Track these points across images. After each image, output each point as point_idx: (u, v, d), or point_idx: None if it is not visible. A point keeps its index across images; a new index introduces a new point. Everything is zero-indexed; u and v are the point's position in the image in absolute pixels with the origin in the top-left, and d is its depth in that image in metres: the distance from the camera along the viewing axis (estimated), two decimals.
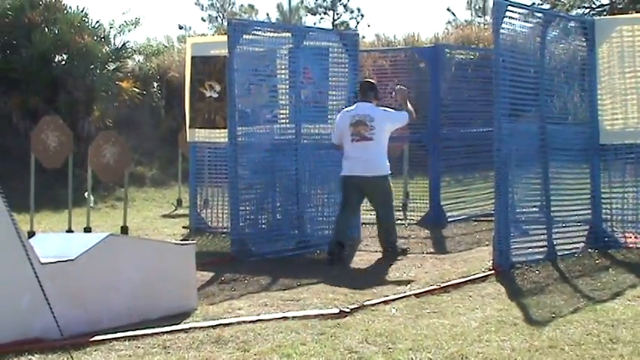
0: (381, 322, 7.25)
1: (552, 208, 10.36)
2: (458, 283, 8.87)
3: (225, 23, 11.63)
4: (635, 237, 10.75)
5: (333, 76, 12.19)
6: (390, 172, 11.15)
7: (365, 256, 11.16)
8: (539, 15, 10.92)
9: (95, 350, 6.47)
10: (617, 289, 8.47)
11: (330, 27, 47.83)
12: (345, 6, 52.73)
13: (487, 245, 11.02)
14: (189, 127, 13.82)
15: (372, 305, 7.89)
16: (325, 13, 52.73)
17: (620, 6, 40.28)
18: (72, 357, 6.15)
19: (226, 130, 11.43)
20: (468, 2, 53.34)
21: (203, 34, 43.92)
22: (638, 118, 10.77)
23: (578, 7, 42.29)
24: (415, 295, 8.35)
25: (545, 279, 9.14)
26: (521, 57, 10.27)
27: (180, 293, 7.90)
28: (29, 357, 6.26)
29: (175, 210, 17.77)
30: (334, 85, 12.20)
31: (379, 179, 10.96)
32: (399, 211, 14.33)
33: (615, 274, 9.29)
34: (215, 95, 13.41)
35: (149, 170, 22.21)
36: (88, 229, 13.29)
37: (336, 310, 7.61)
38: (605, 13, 40.29)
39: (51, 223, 15.13)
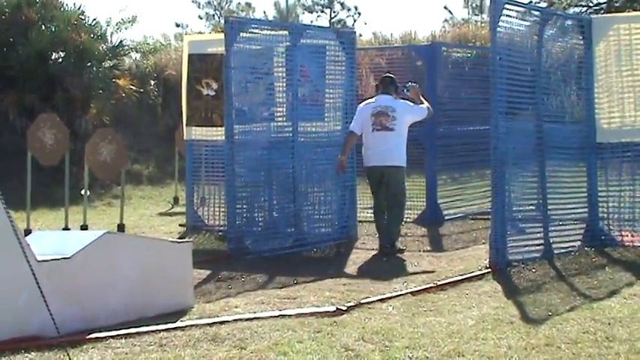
0: (377, 320, 7.25)
1: (549, 207, 10.37)
2: (454, 282, 8.87)
3: (222, 21, 11.62)
4: (632, 235, 10.76)
5: (330, 74, 12.18)
6: (406, 165, 11.36)
7: (362, 255, 11.16)
8: (537, 13, 10.92)
9: (92, 348, 6.47)
10: (614, 288, 8.48)
11: (327, 25, 47.86)
12: (342, 4, 52.78)
13: (484, 243, 11.01)
14: (186, 125, 13.81)
15: (369, 303, 7.90)
16: (322, 11, 52.78)
17: (617, 4, 40.30)
18: (68, 354, 6.15)
19: (223, 128, 11.44)
20: (465, 0, 53.35)
21: (200, 32, 43.91)
22: (635, 117, 10.77)
23: (576, 6, 42.32)
24: (412, 293, 8.36)
25: (542, 277, 9.14)
26: (518, 55, 10.27)
27: (176, 291, 7.90)
28: (26, 354, 6.26)
29: (172, 208, 17.76)
30: (331, 83, 12.19)
31: (396, 169, 11.21)
32: None
33: (612, 272, 9.31)
34: (212, 93, 13.40)
35: (146, 168, 22.20)
36: (84, 227, 13.28)
37: (333, 308, 7.61)
38: (602, 11, 40.32)
39: (47, 220, 15.12)
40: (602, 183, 10.98)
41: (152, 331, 6.86)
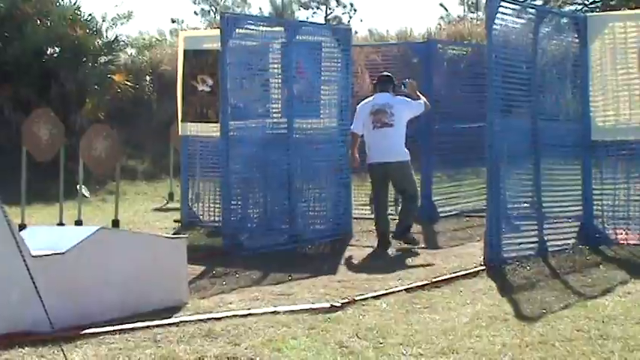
0: (371, 317, 7.26)
1: (544, 204, 10.39)
2: (449, 279, 8.88)
3: (218, 17, 11.61)
4: (626, 233, 10.78)
5: (326, 70, 12.17)
6: (409, 158, 11.50)
7: (356, 252, 11.16)
8: (532, 11, 10.91)
9: (86, 343, 6.46)
10: (608, 286, 8.50)
11: (323, 21, 47.85)
12: (337, 0, 52.71)
13: (478, 241, 11.03)
14: (181, 120, 13.81)
15: (363, 300, 7.90)
16: (318, 8, 52.72)
17: (613, 2, 40.32)
18: (62, 350, 6.14)
19: (218, 124, 11.42)
20: None
21: (196, 28, 43.91)
22: (630, 115, 10.78)
23: (571, 4, 42.34)
24: (406, 290, 8.36)
25: (536, 275, 9.16)
26: (513, 53, 10.29)
27: (171, 287, 7.89)
28: (20, 350, 6.25)
29: (167, 204, 17.75)
30: (327, 80, 12.18)
31: (400, 164, 11.37)
32: (391, 205, 14.35)
33: (606, 270, 9.33)
34: (207, 89, 13.39)
35: (141, 164, 22.18)
36: (79, 223, 13.26)
37: (327, 305, 7.62)
38: (597, 9, 40.36)
39: (42, 216, 15.09)
40: (597, 181, 11.00)
41: (146, 327, 6.86)
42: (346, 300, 7.81)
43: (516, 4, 10.41)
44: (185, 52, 13.74)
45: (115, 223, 13.49)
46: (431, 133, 13.90)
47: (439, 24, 42.75)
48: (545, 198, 10.42)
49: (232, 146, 11.13)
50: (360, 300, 7.88)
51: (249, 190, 11.63)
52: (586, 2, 42.94)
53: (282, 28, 12.01)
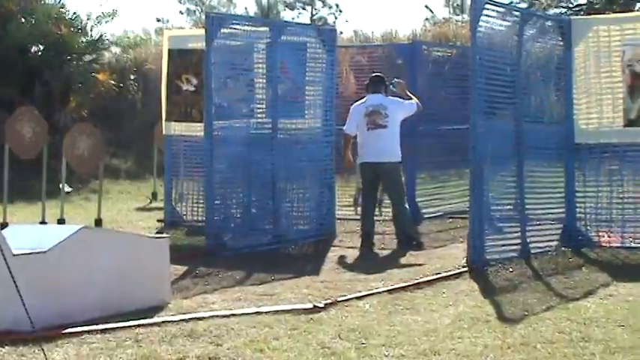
0: (354, 318, 7.26)
1: (527, 206, 10.41)
2: (432, 280, 8.89)
3: (203, 16, 11.60)
4: (609, 236, 10.81)
5: (311, 71, 12.18)
6: (401, 160, 11.61)
7: (339, 252, 11.16)
8: (517, 13, 10.93)
9: (67, 343, 6.44)
10: (590, 288, 8.52)
11: (308, 22, 47.85)
12: (323, 1, 52.76)
13: (462, 242, 11.05)
14: (166, 120, 13.78)
15: (346, 301, 7.90)
16: (303, 8, 52.75)
17: (598, 6, 40.47)
18: (43, 349, 6.11)
19: (202, 124, 11.39)
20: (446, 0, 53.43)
21: (181, 27, 43.87)
22: (613, 118, 10.81)
23: (556, 7, 42.46)
24: (389, 291, 8.37)
25: (519, 277, 9.18)
26: (498, 55, 10.30)
27: (153, 287, 7.87)
28: (0, 349, 6.23)
29: (150, 203, 17.70)
30: (311, 81, 12.19)
31: (392, 165, 11.48)
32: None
33: (588, 272, 9.36)
34: (192, 89, 13.38)
35: (124, 163, 22.13)
36: (61, 221, 13.22)
37: (310, 306, 7.61)
38: (582, 12, 40.49)
39: (24, 214, 15.02)
40: (580, 183, 11.02)
41: (128, 327, 6.85)
42: (329, 301, 7.81)
43: (501, 7, 10.43)
44: (170, 51, 13.72)
45: (98, 222, 13.46)
46: (415, 134, 13.89)
47: (424, 26, 42.80)
48: (529, 200, 10.44)
49: (216, 146, 11.12)
50: (343, 301, 7.88)
51: (232, 190, 11.64)
52: (570, 5, 43.09)
53: (267, 28, 12.01)
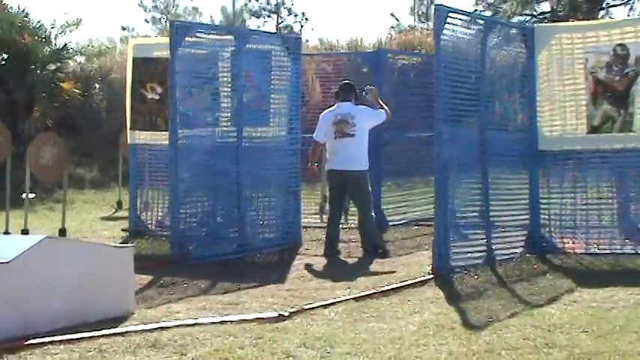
0: (319, 326, 7.25)
1: (491, 213, 10.45)
2: (397, 287, 8.89)
3: (169, 25, 11.56)
4: (573, 242, 10.87)
5: (276, 79, 12.16)
6: (368, 168, 11.63)
7: (305, 260, 11.16)
8: (480, 22, 10.98)
9: (30, 354, 6.39)
10: (554, 294, 8.55)
11: (274, 30, 47.87)
12: (289, 10, 52.80)
13: (427, 249, 11.05)
14: (130, 128, 13.74)
15: (311, 309, 7.89)
16: (269, 17, 52.75)
17: (561, 13, 40.79)
18: None
19: (167, 133, 11.36)
20: (411, 8, 53.67)
21: (146, 36, 43.73)
22: (576, 125, 10.89)
23: (520, 15, 42.76)
24: (354, 299, 8.36)
25: (484, 283, 9.21)
26: (462, 63, 10.33)
27: (117, 296, 7.83)
28: None
29: (115, 212, 17.62)
30: (276, 89, 12.17)
31: (358, 173, 11.52)
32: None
33: (552, 278, 9.40)
34: (156, 97, 13.34)
35: (89, 172, 22.02)
36: (25, 231, 13.12)
37: (275, 314, 7.60)
38: (546, 20, 40.77)
39: None
40: (544, 190, 11.08)
41: (92, 337, 6.80)
42: (294, 309, 7.79)
43: (464, 15, 10.46)
44: (134, 59, 13.67)
45: (62, 232, 13.38)
46: (380, 141, 13.92)
47: (390, 34, 42.86)
48: (493, 207, 10.48)
49: (181, 154, 11.08)
50: (308, 309, 7.87)
51: (197, 199, 11.60)
52: (534, 13, 43.39)
53: (231, 37, 11.98)
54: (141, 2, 55.12)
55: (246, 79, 11.75)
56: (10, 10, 22.07)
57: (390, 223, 14.00)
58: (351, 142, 11.48)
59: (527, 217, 11.00)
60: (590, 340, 6.70)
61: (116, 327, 7.19)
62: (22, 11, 22.12)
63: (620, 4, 43.97)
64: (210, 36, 11.74)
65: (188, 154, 11.22)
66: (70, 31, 23.31)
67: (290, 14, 52.82)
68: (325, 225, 12.06)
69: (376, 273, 10.18)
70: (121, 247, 9.12)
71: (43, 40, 22.43)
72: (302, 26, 52.66)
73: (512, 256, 10.45)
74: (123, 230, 13.95)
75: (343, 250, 11.65)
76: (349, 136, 11.49)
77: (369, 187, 11.74)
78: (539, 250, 10.76)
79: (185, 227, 11.29)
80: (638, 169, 10.89)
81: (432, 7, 26.23)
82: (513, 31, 11.58)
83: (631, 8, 43.20)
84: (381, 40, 30.26)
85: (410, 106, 14.30)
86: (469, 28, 10.63)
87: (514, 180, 11.13)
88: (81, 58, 25.39)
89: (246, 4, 52.67)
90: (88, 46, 26.05)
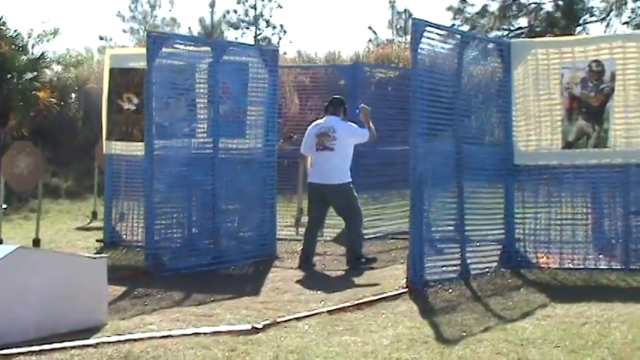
0: (293, 339, 7.23)
1: (466, 227, 10.46)
2: (371, 301, 8.88)
3: (146, 35, 11.53)
4: (547, 257, 10.91)
5: (252, 91, 12.16)
6: (350, 180, 11.65)
7: (280, 273, 11.13)
8: (457, 36, 11.02)
9: None
10: (528, 309, 8.56)
11: (252, 42, 47.89)
12: (267, 22, 52.81)
13: (402, 263, 11.06)
14: (106, 139, 13.70)
15: (285, 322, 7.86)
16: (247, 28, 52.73)
17: (538, 29, 41.01)
18: None
19: (143, 143, 11.32)
20: (389, 21, 53.80)
21: (124, 46, 43.65)
22: (552, 140, 10.94)
23: (497, 29, 42.98)
24: (328, 312, 8.35)
25: (458, 297, 9.21)
26: (438, 77, 10.35)
27: (90, 307, 7.79)
28: None
29: (90, 223, 17.53)
30: (253, 101, 12.17)
31: (338, 187, 11.54)
32: (291, 226, 14.43)
33: (526, 293, 9.41)
34: (133, 108, 13.32)
35: (64, 182, 21.92)
36: None
37: (249, 327, 7.57)
38: (523, 35, 41.00)
39: None
40: (519, 205, 11.11)
41: (64, 348, 6.75)
42: (268, 322, 7.76)
43: (441, 29, 10.49)
44: (111, 70, 13.65)
45: (36, 242, 13.31)
46: (356, 154, 13.91)
47: (368, 47, 42.98)
48: (468, 221, 10.50)
49: (157, 165, 11.06)
50: (282, 322, 7.84)
51: (173, 210, 11.57)
52: (512, 28, 43.61)
53: (209, 48, 11.97)
54: (119, 12, 55.07)
55: (223, 91, 11.74)
56: None
57: (366, 237, 13.94)
58: (331, 155, 11.52)
59: (502, 231, 11.03)
60: (563, 355, 6.72)
61: (88, 338, 7.15)
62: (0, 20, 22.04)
63: (596, 21, 44.27)
64: (187, 47, 11.73)
65: (164, 165, 11.19)
66: (48, 41, 23.28)
67: (268, 26, 52.84)
68: (301, 237, 12.06)
69: (351, 286, 10.16)
70: (94, 257, 9.07)
71: (20, 48, 22.35)
72: (280, 38, 52.67)
73: (486, 270, 10.47)
74: (97, 241, 13.89)
75: (318, 263, 11.63)
76: (329, 150, 11.53)
77: (355, 198, 11.74)
78: (513, 265, 10.78)
79: (160, 238, 11.25)
80: (612, 185, 10.95)
81: (410, 20, 26.32)
82: (490, 45, 11.64)
83: (608, 25, 43.53)
84: (359, 53, 30.25)
85: (387, 120, 14.31)
86: (446, 43, 10.66)
87: (489, 194, 11.15)
88: (58, 68, 25.32)
89: (224, 16, 52.66)
90: (66, 55, 25.99)
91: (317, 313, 8.28)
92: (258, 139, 12.20)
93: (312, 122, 12.17)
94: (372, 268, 11.39)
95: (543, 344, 7.06)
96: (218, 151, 11.63)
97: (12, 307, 7.10)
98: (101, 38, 52.86)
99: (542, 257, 10.94)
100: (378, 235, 14.20)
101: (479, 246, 10.73)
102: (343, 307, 8.56)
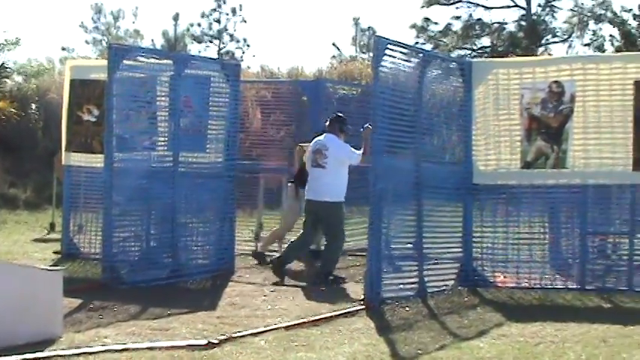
0: (248, 355, 7.22)
1: (425, 245, 10.49)
2: (328, 317, 8.89)
3: (107, 47, 11.51)
4: (504, 276, 10.97)
5: (214, 105, 12.13)
6: (342, 201, 11.70)
7: (237, 287, 11.09)
8: (419, 55, 11.07)
9: None
10: (484, 328, 8.60)
11: (216, 56, 47.83)
12: (231, 35, 52.78)
13: (360, 280, 11.07)
14: (65, 150, 13.62)
15: (241, 337, 7.85)
16: (211, 42, 52.68)
17: (501, 49, 41.35)
18: None
19: (103, 155, 11.26)
20: (353, 38, 53.96)
21: (87, 57, 43.42)
22: (511, 160, 11.00)
23: (460, 48, 43.30)
24: (285, 327, 8.34)
25: (415, 315, 9.24)
26: (400, 95, 10.39)
27: (45, 320, 7.73)
28: None
29: (48, 234, 17.38)
30: (214, 114, 12.14)
31: (327, 205, 11.58)
32: (249, 241, 14.41)
33: (483, 312, 9.45)
34: (93, 119, 13.25)
35: (23, 192, 21.74)
36: None
37: (205, 342, 7.55)
38: (486, 55, 41.33)
39: None
40: (478, 224, 11.16)
41: None
42: (224, 337, 7.75)
43: (403, 47, 10.54)
44: (72, 81, 13.59)
45: None
46: None
47: (331, 63, 43.14)
48: (427, 239, 10.53)
49: (116, 178, 11.00)
50: (238, 337, 7.84)
51: (131, 223, 11.51)
52: (475, 47, 43.91)
53: (170, 61, 11.94)
54: (82, 23, 54.80)
55: (184, 104, 11.71)
56: None
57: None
58: (323, 173, 11.60)
59: (460, 249, 11.07)
60: None
61: (42, 351, 7.10)
62: None
63: (559, 42, 44.72)
64: (149, 60, 11.70)
65: (123, 178, 11.13)
66: (8, 50, 23.18)
67: (232, 40, 52.82)
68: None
69: (309, 302, 10.15)
70: (50, 269, 9.00)
71: None
72: (244, 53, 52.68)
73: (444, 288, 10.51)
74: (55, 252, 13.78)
75: (276, 278, 11.60)
76: (321, 167, 11.62)
77: (341, 221, 11.81)
78: (471, 283, 10.83)
79: (118, 251, 11.19)
80: (570, 205, 11.04)
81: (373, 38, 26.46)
82: (451, 65, 11.72)
83: (570, 45, 44.03)
84: (322, 69, 30.35)
85: (349, 136, 14.31)
86: (408, 61, 10.71)
87: (448, 213, 11.20)
88: (19, 78, 25.14)
89: (188, 29, 52.58)
90: (27, 65, 25.83)
91: (274, 329, 8.27)
92: (219, 154, 12.17)
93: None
94: (334, 286, 11.37)
95: None
96: (178, 165, 11.59)
97: None
98: (64, 49, 52.63)
99: (500, 276, 11.00)
100: None
101: (437, 264, 10.76)
102: (300, 323, 8.56)
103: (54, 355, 6.92)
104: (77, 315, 9.01)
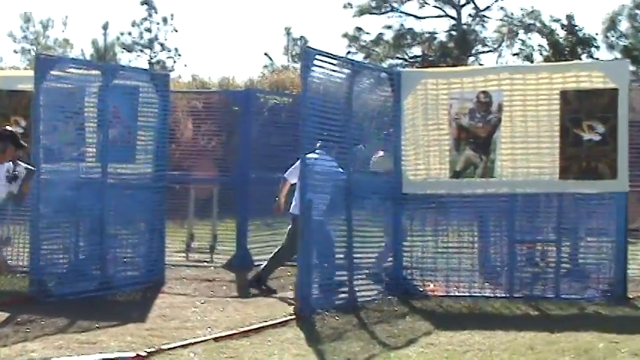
0: None
1: (355, 255, 10.53)
2: (258, 328, 8.88)
3: (34, 58, 11.37)
4: (434, 285, 11.06)
5: (143, 115, 12.04)
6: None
7: (167, 299, 11.03)
8: (348, 65, 11.11)
9: None
10: (412, 337, 8.64)
11: (147, 65, 47.61)
12: (162, 45, 52.58)
13: (291, 290, 11.08)
14: None
15: (170, 349, 7.80)
16: (142, 51, 52.41)
17: (432, 58, 41.71)
18: None
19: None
20: (285, 48, 54.09)
21: (15, 67, 42.94)
22: (440, 170, 11.10)
23: (392, 58, 43.55)
24: (215, 339, 8.31)
25: (345, 325, 9.25)
26: (329, 105, 10.42)
27: None
28: None
29: None
30: (143, 125, 12.06)
31: (296, 217, 11.20)
32: (207, 252, 14.36)
33: (412, 321, 9.50)
34: (20, 131, 13.04)
35: None
36: None
37: (133, 354, 7.49)
38: (417, 64, 41.66)
39: None
40: (407, 233, 11.23)
41: None
42: (152, 349, 7.70)
43: (332, 58, 10.56)
44: None
45: None
46: (247, 181, 13.94)
47: (263, 73, 43.15)
48: (357, 249, 10.57)
49: (43, 189, 10.85)
50: (167, 349, 7.78)
51: (59, 235, 11.36)
52: (407, 57, 44.21)
53: (99, 72, 11.85)
54: (10, 32, 54.20)
55: (113, 115, 11.62)
56: None
57: (256, 263, 13.93)
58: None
59: (390, 259, 11.13)
60: None
61: None
62: None
63: (489, 51, 45.25)
64: (76, 70, 11.58)
65: (51, 189, 10.99)
66: None
67: (163, 50, 52.66)
68: (191, 264, 11.95)
69: (239, 313, 10.12)
70: None
71: None
72: (175, 62, 52.53)
73: (373, 298, 10.54)
74: None
75: (206, 289, 11.55)
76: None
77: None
78: (400, 293, 10.89)
79: (45, 263, 11.05)
80: (498, 214, 11.17)
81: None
82: (381, 75, 11.78)
83: (499, 55, 44.55)
84: (253, 79, 30.35)
85: (279, 146, 14.34)
86: (337, 71, 10.74)
87: (378, 222, 11.26)
88: None
89: (118, 38, 52.27)
90: None
91: (203, 341, 8.24)
92: (148, 164, 12.09)
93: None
94: (265, 296, 11.35)
95: None
96: (107, 176, 11.47)
97: None
98: None
99: (429, 285, 11.09)
100: None
101: (367, 273, 10.81)
102: (230, 335, 8.53)
103: None
104: (3, 329, 8.88)
